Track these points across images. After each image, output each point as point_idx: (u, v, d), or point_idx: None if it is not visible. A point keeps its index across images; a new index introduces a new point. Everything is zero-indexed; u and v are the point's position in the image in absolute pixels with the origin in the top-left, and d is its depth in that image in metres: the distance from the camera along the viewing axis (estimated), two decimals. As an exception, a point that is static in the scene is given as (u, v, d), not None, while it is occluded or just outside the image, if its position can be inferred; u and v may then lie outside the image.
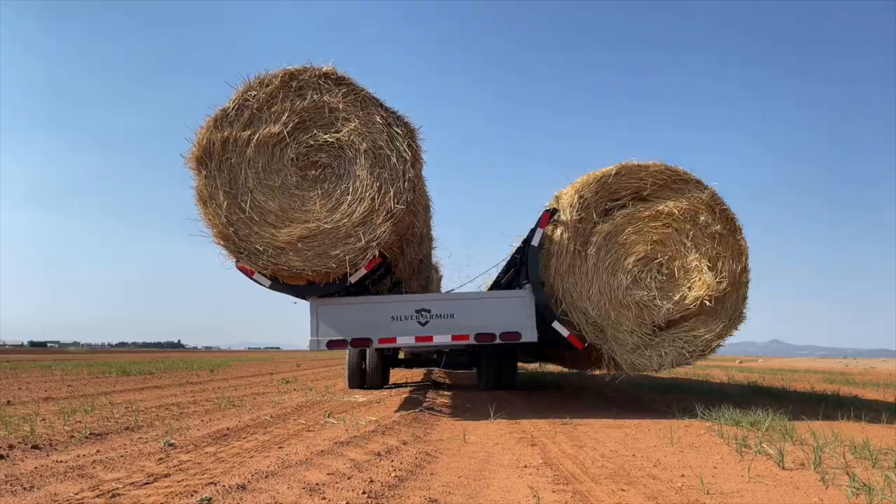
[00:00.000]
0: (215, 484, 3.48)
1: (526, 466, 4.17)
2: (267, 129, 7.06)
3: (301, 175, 7.11)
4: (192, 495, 3.24)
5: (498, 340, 7.50)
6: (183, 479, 3.63)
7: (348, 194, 6.98)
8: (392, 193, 6.93)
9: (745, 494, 3.46)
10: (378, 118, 7.09)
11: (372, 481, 3.62)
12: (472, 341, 7.52)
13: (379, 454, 4.53)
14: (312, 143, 7.12)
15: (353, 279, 7.02)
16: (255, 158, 7.06)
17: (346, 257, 6.87)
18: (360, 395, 9.84)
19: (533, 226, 7.75)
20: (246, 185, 7.01)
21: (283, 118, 7.06)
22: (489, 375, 11.21)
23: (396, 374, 16.92)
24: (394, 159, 7.01)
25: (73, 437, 5.16)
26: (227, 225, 6.92)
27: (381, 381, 11.31)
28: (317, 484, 3.54)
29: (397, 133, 7.06)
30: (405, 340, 7.48)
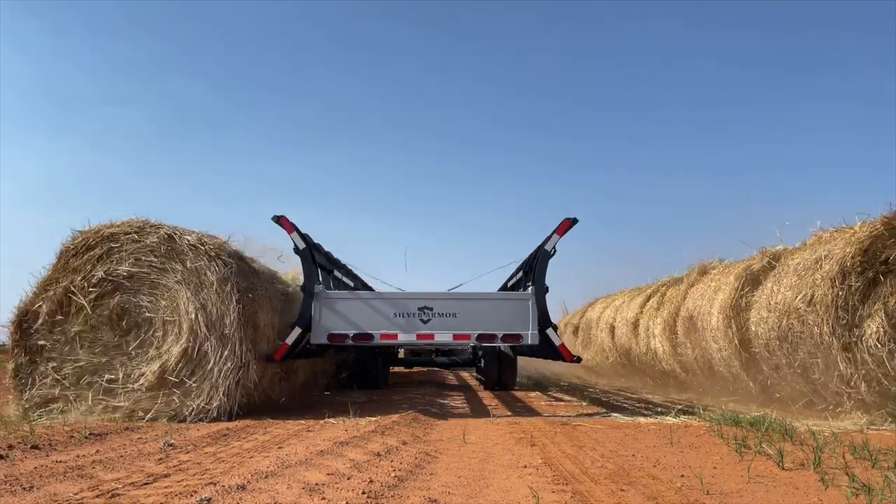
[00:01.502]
0: (215, 484, 3.48)
1: (526, 466, 4.17)
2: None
3: (120, 332, 6.83)
4: (191, 495, 3.24)
5: (499, 342, 7.50)
6: (183, 480, 3.63)
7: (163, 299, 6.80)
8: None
9: (745, 494, 3.46)
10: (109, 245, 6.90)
11: (371, 481, 3.62)
12: (473, 341, 7.53)
13: (378, 454, 4.53)
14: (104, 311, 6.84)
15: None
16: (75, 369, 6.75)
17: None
18: (360, 395, 9.84)
19: (550, 232, 7.69)
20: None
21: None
22: (489, 375, 11.23)
23: (396, 375, 16.92)
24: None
25: (72, 437, 5.16)
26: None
27: (381, 381, 11.31)
28: (316, 484, 3.54)
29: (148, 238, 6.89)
30: (407, 337, 7.50)
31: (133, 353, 6.76)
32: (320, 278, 7.87)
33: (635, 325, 13.22)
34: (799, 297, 7.26)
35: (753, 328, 8.16)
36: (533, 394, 10.68)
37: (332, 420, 6.57)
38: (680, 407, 8.22)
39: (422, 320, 7.48)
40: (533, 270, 7.77)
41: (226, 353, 6.57)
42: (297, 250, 7.56)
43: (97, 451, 4.56)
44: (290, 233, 7.51)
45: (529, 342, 7.42)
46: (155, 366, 6.60)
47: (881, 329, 6.65)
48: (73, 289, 6.81)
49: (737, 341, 8.42)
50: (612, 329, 14.72)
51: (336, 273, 10.20)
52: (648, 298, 13.10)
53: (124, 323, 6.84)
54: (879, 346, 6.61)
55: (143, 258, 6.87)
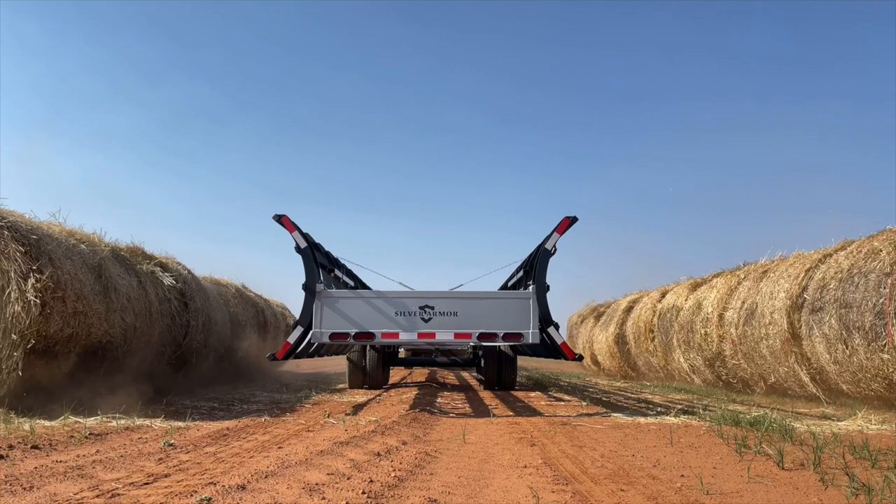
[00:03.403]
0: (215, 484, 3.48)
1: (526, 466, 4.17)
2: None
3: None
4: (191, 495, 3.24)
5: (500, 340, 7.51)
6: (183, 479, 3.64)
7: None
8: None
9: (745, 494, 3.47)
10: None
11: (371, 481, 3.62)
12: (474, 340, 7.54)
13: (379, 454, 4.53)
14: None
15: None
16: None
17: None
18: (360, 395, 9.85)
19: (549, 231, 7.72)
20: None
21: None
22: (489, 375, 11.23)
23: (396, 375, 16.93)
24: None
25: (72, 437, 5.17)
26: None
27: (381, 381, 11.32)
28: (316, 484, 3.54)
29: None
30: (408, 336, 7.51)
31: None
32: (321, 277, 7.89)
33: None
34: (887, 242, 7.58)
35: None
36: (533, 394, 10.68)
37: (332, 420, 6.58)
38: (680, 407, 8.22)
39: (423, 319, 7.50)
40: (534, 269, 7.78)
41: None
42: (298, 249, 7.58)
43: (97, 451, 4.56)
44: (291, 232, 7.54)
45: (530, 341, 7.43)
46: None
47: None
48: None
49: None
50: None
51: (336, 272, 10.23)
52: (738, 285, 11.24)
53: None
54: None
55: None
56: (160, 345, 9.14)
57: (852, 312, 7.52)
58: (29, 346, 6.32)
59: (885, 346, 7.04)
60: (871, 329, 7.20)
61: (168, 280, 9.66)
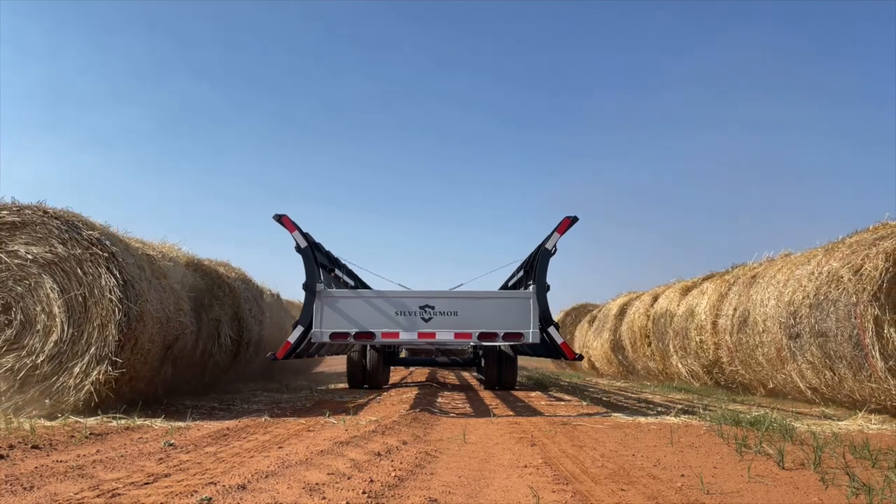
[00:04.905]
0: (215, 484, 3.48)
1: (526, 466, 4.17)
2: None
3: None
4: (192, 495, 3.24)
5: (500, 340, 7.51)
6: (183, 479, 3.64)
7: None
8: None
9: (745, 494, 3.46)
10: None
11: (372, 481, 3.62)
12: (474, 340, 7.54)
13: (379, 454, 4.53)
14: None
15: None
16: None
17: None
18: (360, 395, 9.84)
19: (550, 231, 7.74)
20: None
21: None
22: (490, 375, 11.23)
23: (396, 374, 16.94)
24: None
25: (73, 437, 5.17)
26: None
27: (381, 380, 11.32)
28: (317, 484, 3.54)
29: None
30: (408, 336, 7.52)
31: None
32: (322, 277, 7.90)
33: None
34: (846, 267, 7.39)
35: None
36: (533, 393, 10.68)
37: (332, 420, 6.58)
38: (680, 406, 8.23)
39: (423, 319, 7.50)
40: (534, 269, 7.78)
41: None
42: (298, 249, 7.59)
43: (97, 451, 4.56)
44: (291, 231, 7.56)
45: (531, 341, 7.44)
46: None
47: None
48: None
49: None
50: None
51: (337, 272, 10.24)
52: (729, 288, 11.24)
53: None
54: None
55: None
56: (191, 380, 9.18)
57: (830, 342, 7.45)
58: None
59: (870, 376, 7.00)
60: (853, 360, 7.15)
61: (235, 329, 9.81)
